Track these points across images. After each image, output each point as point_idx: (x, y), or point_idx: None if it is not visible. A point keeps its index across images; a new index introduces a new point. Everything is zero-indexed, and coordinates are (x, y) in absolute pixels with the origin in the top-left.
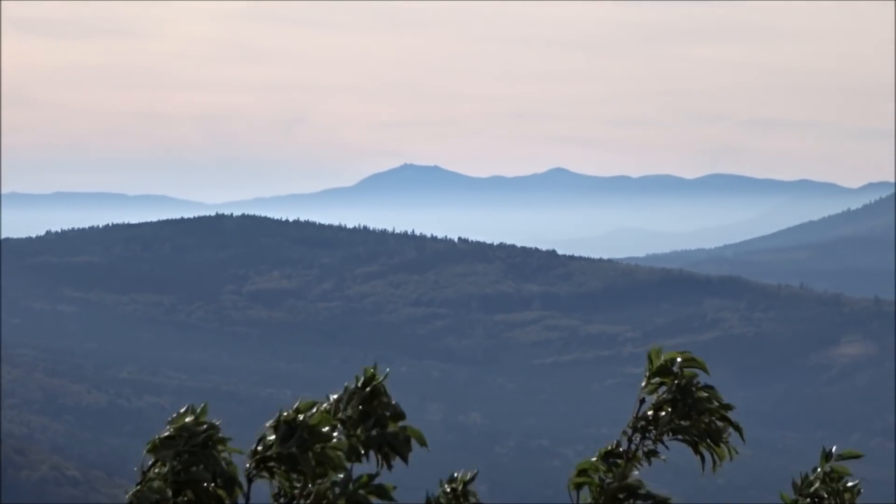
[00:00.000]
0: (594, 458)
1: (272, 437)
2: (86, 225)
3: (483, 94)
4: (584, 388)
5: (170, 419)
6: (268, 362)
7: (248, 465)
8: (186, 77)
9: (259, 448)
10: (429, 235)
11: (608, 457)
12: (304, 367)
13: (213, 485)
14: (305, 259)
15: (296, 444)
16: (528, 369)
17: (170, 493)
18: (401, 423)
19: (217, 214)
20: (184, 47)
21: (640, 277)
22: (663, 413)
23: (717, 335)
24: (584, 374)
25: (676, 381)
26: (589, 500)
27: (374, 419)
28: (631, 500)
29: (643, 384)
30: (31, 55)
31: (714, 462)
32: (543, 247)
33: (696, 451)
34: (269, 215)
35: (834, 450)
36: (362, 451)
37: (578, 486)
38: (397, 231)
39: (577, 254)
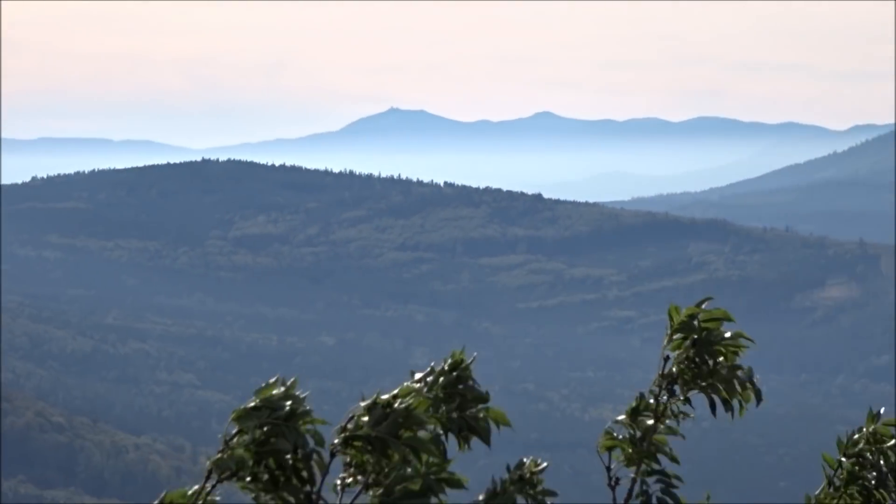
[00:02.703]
0: (622, 417)
1: (365, 418)
2: (71, 171)
3: (469, 38)
4: (569, 332)
5: (257, 389)
6: (253, 307)
7: (335, 441)
8: (170, 21)
9: (349, 426)
10: (415, 180)
11: (635, 414)
12: (289, 311)
13: (293, 456)
14: (291, 204)
15: (387, 430)
16: (514, 313)
17: (251, 462)
18: (482, 406)
19: (203, 160)
20: None
21: (626, 221)
22: (685, 368)
23: (702, 278)
24: (570, 318)
25: (696, 336)
26: (622, 460)
27: (458, 402)
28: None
29: (665, 342)
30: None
31: (741, 407)
32: (529, 191)
33: (713, 403)
34: (255, 160)
35: (882, 411)
36: (442, 433)
37: (610, 448)
38: (383, 176)
39: (562, 198)
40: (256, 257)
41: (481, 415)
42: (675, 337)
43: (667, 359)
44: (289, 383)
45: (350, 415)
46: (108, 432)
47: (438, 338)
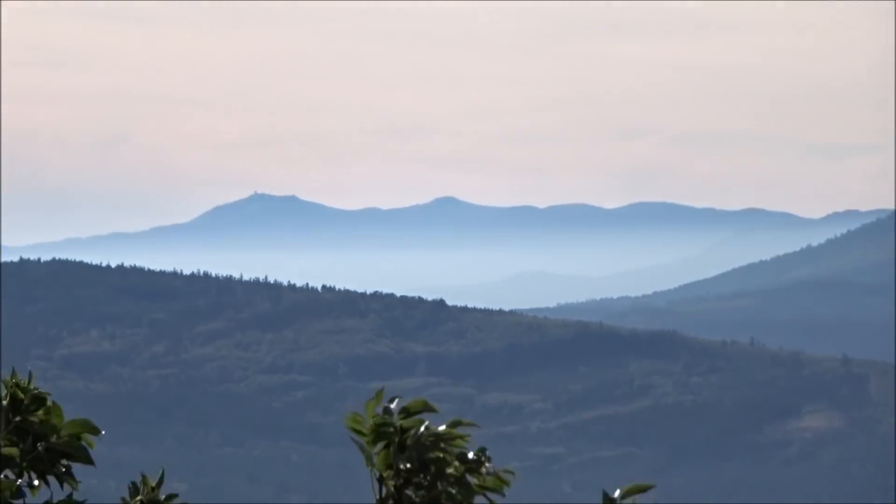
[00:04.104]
0: None
1: None
2: None
3: (350, 106)
4: None
5: None
6: None
7: None
8: None
9: None
10: (286, 283)
11: None
12: (131, 450)
13: None
14: (132, 314)
15: None
16: None
17: None
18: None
19: (21, 259)
20: None
21: (551, 333)
22: (409, 489)
23: (646, 405)
24: None
25: (400, 441)
26: None
27: (33, 433)
28: None
29: (373, 458)
30: None
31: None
32: (429, 296)
33: None
34: (86, 259)
35: (617, 494)
36: (29, 479)
37: None
38: (246, 278)
39: (470, 304)
40: (89, 382)
41: (69, 440)
42: (376, 450)
43: (380, 480)
44: None
45: None
46: None
47: (318, 482)
